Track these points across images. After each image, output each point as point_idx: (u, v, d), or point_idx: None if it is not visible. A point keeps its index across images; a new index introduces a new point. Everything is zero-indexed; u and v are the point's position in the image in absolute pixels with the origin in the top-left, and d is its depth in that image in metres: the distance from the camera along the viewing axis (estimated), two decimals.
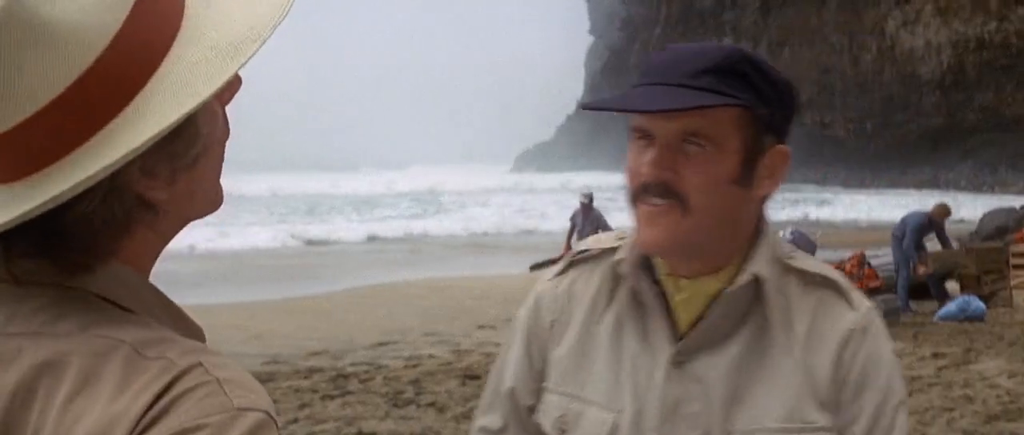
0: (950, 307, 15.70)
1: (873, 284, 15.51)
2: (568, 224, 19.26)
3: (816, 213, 47.57)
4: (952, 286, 17.93)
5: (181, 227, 1.31)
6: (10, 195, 1.17)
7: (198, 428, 1.08)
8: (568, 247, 16.76)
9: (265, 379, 11.18)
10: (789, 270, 1.94)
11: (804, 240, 20.83)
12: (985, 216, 23.77)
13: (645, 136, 1.86)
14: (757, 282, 1.90)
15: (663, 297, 1.95)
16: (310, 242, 34.68)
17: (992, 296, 17.19)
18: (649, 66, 1.90)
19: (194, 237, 26.63)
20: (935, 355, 12.65)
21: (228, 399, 1.11)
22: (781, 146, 1.91)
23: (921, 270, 16.53)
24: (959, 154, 66.37)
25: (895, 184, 65.62)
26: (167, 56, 1.19)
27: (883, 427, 1.88)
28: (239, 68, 1.20)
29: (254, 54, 1.21)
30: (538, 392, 2.04)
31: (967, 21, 66.74)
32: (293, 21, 1.29)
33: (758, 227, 1.95)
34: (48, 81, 1.14)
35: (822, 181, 72.99)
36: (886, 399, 1.89)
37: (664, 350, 1.92)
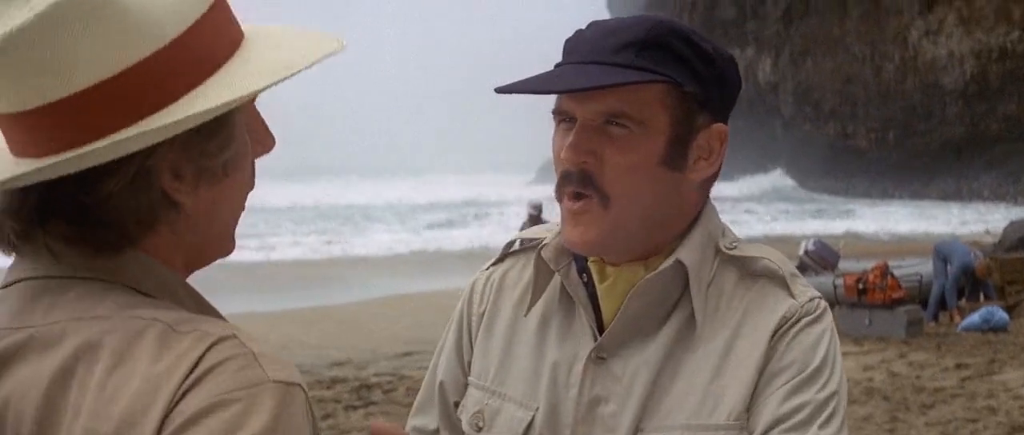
0: (974, 317, 15.63)
1: (896, 295, 15.43)
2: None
3: (839, 224, 47.37)
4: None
5: (199, 259, 1.35)
6: (38, 165, 1.21)
7: (236, 400, 1.13)
8: None
9: None
10: (730, 260, 1.79)
11: (827, 251, 20.87)
12: (1008, 227, 23.61)
13: (567, 119, 1.74)
14: (682, 269, 1.76)
15: (590, 286, 1.82)
16: (333, 252, 34.66)
17: (1016, 306, 17.08)
18: (571, 44, 1.77)
19: None
20: (958, 366, 12.59)
21: (263, 371, 1.16)
22: (718, 125, 1.77)
23: (956, 317, 16.35)
24: (982, 164, 65.95)
25: (918, 195, 65.29)
26: (219, 70, 1.25)
27: (800, 418, 1.68)
28: (272, 84, 1.25)
29: (291, 76, 1.26)
30: (465, 388, 1.94)
31: (990, 31, 66.38)
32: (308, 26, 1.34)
33: (700, 213, 1.82)
34: (104, 61, 1.19)
35: (844, 192, 72.65)
36: (807, 386, 1.70)
37: (586, 345, 1.80)
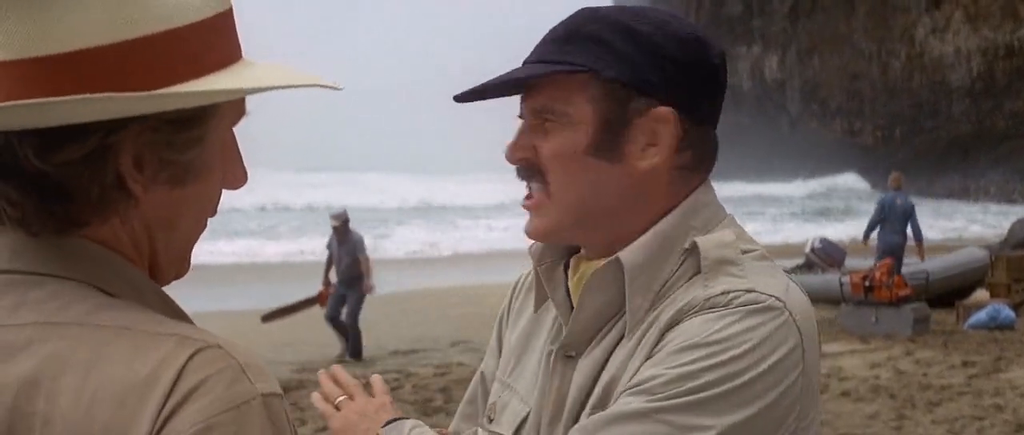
0: (980, 315, 15.62)
1: (902, 292, 15.42)
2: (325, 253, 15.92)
3: (845, 222, 47.26)
4: (981, 294, 17.85)
5: (156, 272, 1.31)
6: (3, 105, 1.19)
7: (229, 422, 1.11)
8: (326, 284, 15.30)
9: (295, 387, 11.23)
10: (692, 251, 1.68)
11: (834, 249, 20.88)
12: (1015, 224, 23.56)
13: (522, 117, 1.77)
14: (619, 266, 1.69)
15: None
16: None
17: (1022, 304, 17.08)
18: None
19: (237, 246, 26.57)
20: (965, 364, 12.59)
21: (252, 385, 1.14)
22: (660, 108, 1.66)
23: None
24: (989, 161, 65.88)
25: (924, 192, 65.21)
26: (208, 75, 1.24)
27: (647, 385, 1.56)
28: (259, 89, 1.25)
29: (269, 89, 1.25)
30: None
31: (997, 28, 66.30)
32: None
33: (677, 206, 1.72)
34: (106, 27, 1.18)
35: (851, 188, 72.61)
36: (673, 357, 1.57)
37: (557, 341, 1.79)
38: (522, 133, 1.74)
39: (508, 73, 1.71)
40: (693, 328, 1.59)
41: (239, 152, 1.36)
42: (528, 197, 1.75)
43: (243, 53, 1.32)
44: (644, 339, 1.65)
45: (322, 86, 1.28)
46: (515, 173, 1.76)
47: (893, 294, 15.31)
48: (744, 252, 1.68)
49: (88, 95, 1.16)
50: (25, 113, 1.16)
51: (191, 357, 1.14)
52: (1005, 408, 10.28)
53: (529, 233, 1.77)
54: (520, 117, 1.77)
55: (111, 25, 1.18)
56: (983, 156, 66.92)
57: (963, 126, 68.92)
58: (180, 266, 1.35)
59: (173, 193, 1.27)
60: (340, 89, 1.31)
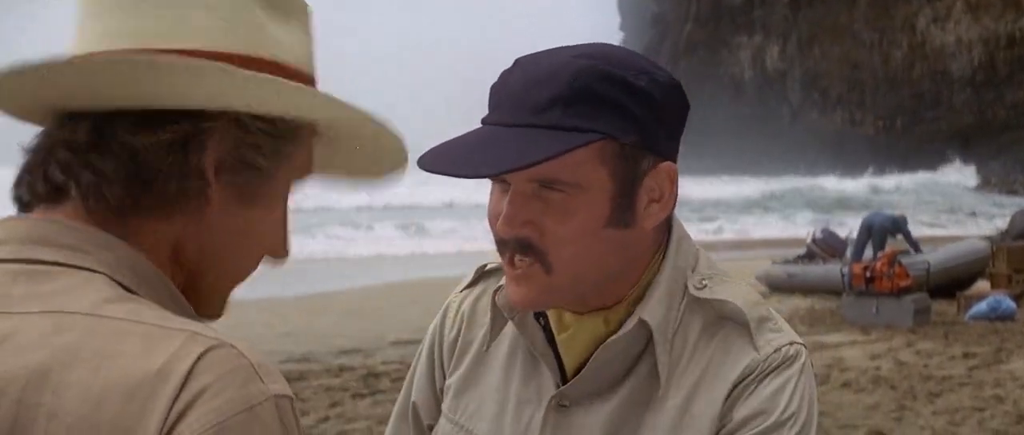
0: (981, 306, 15.63)
1: (904, 283, 15.43)
2: None
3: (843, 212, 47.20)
4: (982, 285, 17.87)
5: (201, 277, 1.32)
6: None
7: (240, 424, 1.10)
8: None
9: (296, 377, 11.24)
10: (697, 303, 1.66)
11: (834, 239, 20.88)
12: (1016, 214, 23.55)
13: (502, 179, 1.59)
14: (646, 328, 1.63)
15: (549, 330, 1.72)
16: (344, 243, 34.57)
17: (1023, 295, 17.10)
18: (496, 94, 1.58)
19: None
20: (966, 355, 12.59)
21: (265, 386, 1.14)
22: (665, 164, 1.59)
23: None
24: (990, 152, 65.89)
25: None
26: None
27: None
28: (355, 117, 1.32)
29: (377, 123, 1.34)
30: (438, 412, 1.87)
31: (998, 18, 66.32)
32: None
33: (664, 249, 1.68)
34: (223, 34, 1.26)
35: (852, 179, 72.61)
36: (766, 433, 1.57)
37: (548, 390, 1.70)
38: (516, 205, 1.56)
39: (498, 145, 1.51)
40: (765, 401, 1.59)
41: (287, 223, 1.37)
42: (512, 266, 1.60)
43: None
44: (696, 397, 1.63)
45: (394, 136, 1.37)
46: (498, 242, 1.61)
47: (894, 285, 15.32)
48: (712, 276, 1.69)
49: (204, 62, 1.20)
50: (145, 63, 1.19)
51: (202, 355, 1.13)
52: (1006, 399, 10.28)
53: (517, 303, 1.62)
54: (498, 178, 1.60)
55: (232, 34, 1.25)
56: (984, 146, 66.91)
57: (964, 116, 68.94)
58: (218, 305, 1.35)
59: (238, 210, 1.28)
60: (404, 168, 1.42)
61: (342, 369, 11.92)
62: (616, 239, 1.58)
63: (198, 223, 1.27)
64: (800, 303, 17.73)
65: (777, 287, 19.06)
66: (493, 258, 1.80)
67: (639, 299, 1.65)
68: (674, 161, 1.62)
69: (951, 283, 17.47)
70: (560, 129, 1.49)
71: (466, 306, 1.88)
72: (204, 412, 1.10)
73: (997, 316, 15.31)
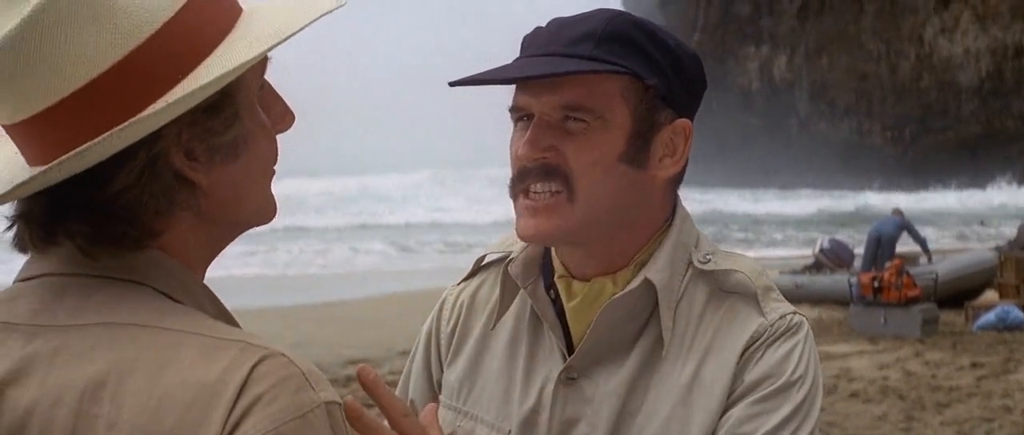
0: (989, 316, 15.60)
1: (911, 293, 15.41)
2: None
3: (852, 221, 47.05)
4: (990, 295, 17.83)
5: (231, 231, 1.34)
6: (43, 169, 1.20)
7: (294, 430, 1.13)
8: None
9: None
10: (701, 275, 1.72)
11: (842, 249, 20.82)
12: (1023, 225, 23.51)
13: (525, 116, 1.67)
14: (651, 288, 1.69)
15: (558, 303, 1.75)
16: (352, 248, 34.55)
17: None
18: (529, 38, 1.71)
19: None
20: (974, 365, 12.58)
21: (316, 393, 1.17)
22: (682, 120, 1.71)
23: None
24: (998, 162, 65.74)
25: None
26: (215, 50, 1.24)
27: (764, 423, 1.63)
28: (265, 51, 1.24)
29: (283, 41, 1.25)
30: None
31: (1006, 28, 66.17)
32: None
33: (669, 220, 1.75)
34: (94, 57, 1.17)
35: (860, 189, 72.43)
36: (770, 400, 1.64)
37: (556, 365, 1.73)
38: (540, 130, 1.64)
39: (531, 64, 1.64)
40: (774, 366, 1.67)
41: (278, 96, 1.35)
42: (530, 197, 1.66)
43: (241, 6, 1.32)
44: (706, 363, 1.68)
45: (325, 13, 1.28)
46: (519, 173, 1.68)
47: (902, 295, 15.30)
48: (715, 252, 1.76)
49: (111, 131, 1.17)
50: (66, 167, 1.18)
51: (256, 364, 1.15)
52: (1014, 409, 10.27)
53: (531, 236, 1.68)
54: (519, 115, 1.69)
55: (106, 49, 1.18)
56: (993, 156, 66.76)
57: (972, 127, 68.77)
58: (266, 214, 1.35)
59: (231, 167, 1.27)
60: (344, 4, 1.30)
61: (350, 379, 11.92)
62: (629, 177, 1.67)
63: (204, 200, 1.27)
64: (808, 313, 17.54)
65: (784, 297, 19.01)
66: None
67: (644, 264, 1.71)
68: (691, 120, 1.74)
69: (959, 293, 17.44)
70: (589, 58, 1.62)
71: (465, 296, 1.90)
72: (259, 419, 1.12)
73: (1005, 326, 15.28)
